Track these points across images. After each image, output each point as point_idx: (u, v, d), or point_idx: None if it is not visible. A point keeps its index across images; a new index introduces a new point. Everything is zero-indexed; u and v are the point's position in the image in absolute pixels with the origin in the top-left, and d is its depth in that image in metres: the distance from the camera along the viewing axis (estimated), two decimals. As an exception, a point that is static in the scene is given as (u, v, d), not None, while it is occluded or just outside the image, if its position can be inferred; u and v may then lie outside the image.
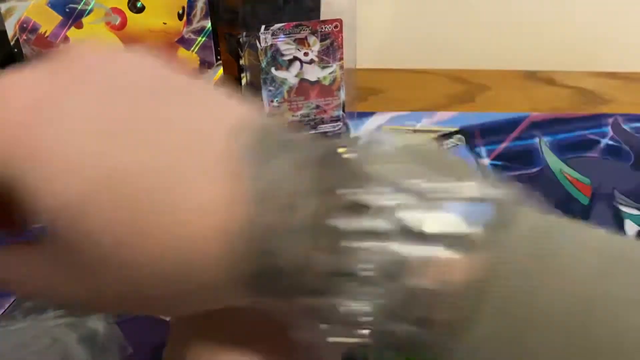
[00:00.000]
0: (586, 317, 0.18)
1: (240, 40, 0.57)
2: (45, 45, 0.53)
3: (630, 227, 0.54)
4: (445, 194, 0.19)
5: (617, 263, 0.19)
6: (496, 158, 0.60)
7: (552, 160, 0.60)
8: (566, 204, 0.56)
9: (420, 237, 0.19)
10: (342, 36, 0.57)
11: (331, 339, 0.20)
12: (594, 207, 0.55)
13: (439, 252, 0.19)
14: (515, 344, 0.19)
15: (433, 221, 0.19)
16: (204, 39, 0.55)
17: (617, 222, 0.54)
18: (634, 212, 0.55)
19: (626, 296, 0.18)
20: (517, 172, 0.58)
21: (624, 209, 0.55)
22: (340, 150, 0.20)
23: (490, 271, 0.19)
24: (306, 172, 0.19)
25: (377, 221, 0.19)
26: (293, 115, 0.60)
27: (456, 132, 0.59)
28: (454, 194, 0.19)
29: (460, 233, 0.19)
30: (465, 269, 0.19)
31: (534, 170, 0.59)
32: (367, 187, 0.19)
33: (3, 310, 0.45)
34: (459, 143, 0.57)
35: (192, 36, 0.55)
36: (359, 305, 0.19)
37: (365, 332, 0.20)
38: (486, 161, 0.59)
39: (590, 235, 0.20)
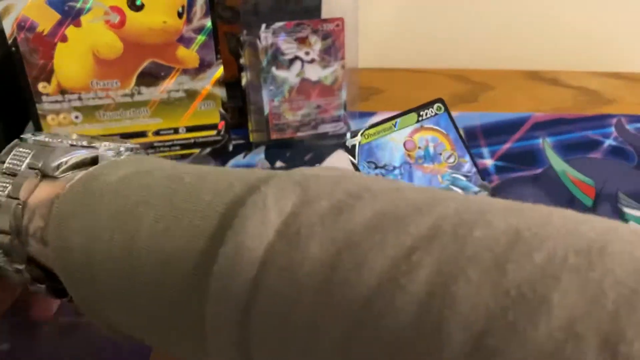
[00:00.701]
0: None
1: (241, 39, 0.56)
2: (43, 43, 0.52)
3: (634, 229, 0.53)
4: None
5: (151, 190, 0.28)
6: (499, 159, 0.59)
7: (556, 161, 0.59)
8: (570, 206, 0.55)
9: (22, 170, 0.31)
10: (343, 35, 0.57)
11: None
12: (598, 209, 0.55)
13: (29, 180, 0.30)
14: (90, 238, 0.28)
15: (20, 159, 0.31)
16: (204, 37, 0.54)
17: (621, 224, 0.54)
18: (638, 213, 0.54)
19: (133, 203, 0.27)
20: (521, 173, 0.58)
21: (627, 210, 0.55)
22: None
23: (59, 194, 0.29)
24: None
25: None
26: (294, 115, 0.59)
27: (436, 101, 0.59)
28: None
29: (37, 166, 0.31)
30: (48, 191, 0.30)
31: (538, 171, 0.58)
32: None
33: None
34: (438, 112, 0.57)
35: (192, 35, 0.54)
36: None
37: None
38: (489, 162, 0.59)
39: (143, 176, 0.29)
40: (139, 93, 0.56)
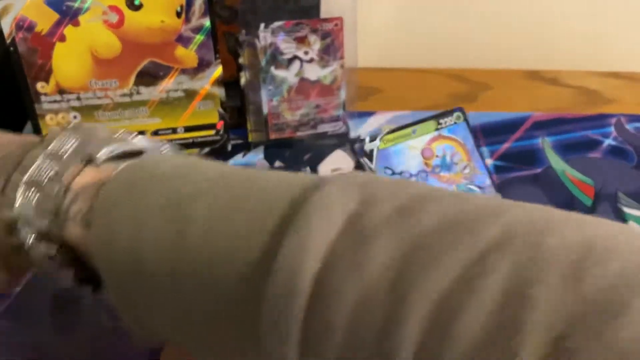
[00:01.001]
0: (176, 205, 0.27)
1: (240, 38, 0.56)
2: (41, 43, 0.52)
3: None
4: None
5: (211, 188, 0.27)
6: (499, 158, 0.59)
7: (555, 161, 0.59)
8: (569, 205, 0.55)
9: (62, 158, 0.30)
10: (342, 35, 0.57)
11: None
12: (597, 209, 0.55)
13: (75, 165, 0.30)
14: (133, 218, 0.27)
15: (65, 148, 0.31)
16: (202, 37, 0.54)
17: (621, 224, 0.53)
18: (637, 213, 0.54)
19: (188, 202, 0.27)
20: (520, 173, 0.58)
21: (627, 210, 0.55)
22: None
23: (106, 180, 0.29)
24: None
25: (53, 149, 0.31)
26: (293, 115, 0.59)
27: (455, 110, 0.59)
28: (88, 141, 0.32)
29: (83, 151, 0.31)
30: (92, 176, 0.30)
31: (537, 170, 0.58)
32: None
33: None
34: (457, 121, 0.57)
35: (191, 34, 0.54)
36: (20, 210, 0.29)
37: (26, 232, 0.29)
38: (489, 161, 0.59)
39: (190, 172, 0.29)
40: (138, 93, 0.55)
